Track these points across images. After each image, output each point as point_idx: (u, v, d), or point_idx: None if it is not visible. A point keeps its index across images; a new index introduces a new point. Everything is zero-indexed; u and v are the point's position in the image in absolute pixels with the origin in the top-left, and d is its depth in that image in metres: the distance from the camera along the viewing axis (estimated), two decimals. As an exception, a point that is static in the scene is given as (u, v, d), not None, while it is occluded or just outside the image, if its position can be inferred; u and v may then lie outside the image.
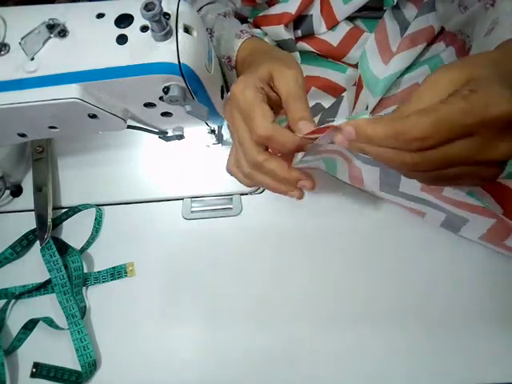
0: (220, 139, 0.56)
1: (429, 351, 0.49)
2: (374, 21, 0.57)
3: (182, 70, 0.36)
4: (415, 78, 0.54)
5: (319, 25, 0.56)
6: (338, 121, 0.30)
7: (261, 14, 0.57)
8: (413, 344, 0.50)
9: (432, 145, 0.26)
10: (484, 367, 0.49)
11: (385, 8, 0.55)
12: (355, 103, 0.54)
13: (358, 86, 0.55)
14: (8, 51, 0.37)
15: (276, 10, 0.56)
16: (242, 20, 0.59)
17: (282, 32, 0.55)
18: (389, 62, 0.53)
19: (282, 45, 0.57)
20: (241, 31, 0.46)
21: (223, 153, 0.58)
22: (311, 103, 0.57)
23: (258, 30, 0.58)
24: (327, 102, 0.57)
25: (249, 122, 0.34)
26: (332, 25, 0.56)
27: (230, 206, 0.56)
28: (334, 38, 0.57)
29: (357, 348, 0.50)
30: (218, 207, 0.57)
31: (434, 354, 0.49)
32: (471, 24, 0.46)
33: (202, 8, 0.53)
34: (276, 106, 0.36)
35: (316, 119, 0.55)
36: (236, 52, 0.44)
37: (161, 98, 0.39)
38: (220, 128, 0.55)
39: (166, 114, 0.43)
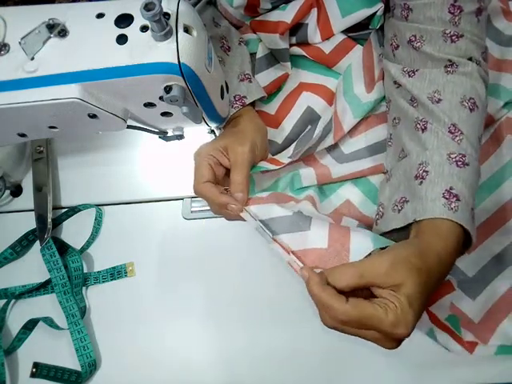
0: (220, 139, 0.56)
1: (429, 351, 0.49)
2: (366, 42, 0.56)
3: (181, 70, 0.36)
4: (385, 106, 0.55)
5: (314, 35, 0.56)
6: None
7: (258, 19, 0.57)
8: (413, 344, 0.50)
9: (350, 327, 0.37)
10: (484, 367, 0.49)
11: (370, 27, 0.55)
12: (335, 123, 0.54)
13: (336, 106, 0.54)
14: (8, 51, 0.37)
15: (273, 16, 0.55)
16: (239, 27, 0.59)
17: (277, 41, 0.54)
18: (371, 89, 0.54)
19: (276, 53, 0.57)
20: (234, 97, 0.51)
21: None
22: (302, 107, 0.56)
23: (253, 36, 0.58)
24: (318, 105, 0.56)
25: (195, 172, 0.46)
26: (327, 37, 0.56)
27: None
28: (326, 45, 0.56)
29: (358, 349, 0.50)
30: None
31: (434, 354, 0.49)
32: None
33: None
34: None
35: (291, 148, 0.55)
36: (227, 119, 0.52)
37: (161, 98, 0.39)
38: (220, 128, 0.55)
39: (165, 114, 0.43)
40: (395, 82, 0.50)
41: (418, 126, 0.46)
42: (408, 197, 0.44)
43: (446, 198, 0.41)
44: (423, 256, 0.38)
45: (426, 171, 0.43)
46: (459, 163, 0.43)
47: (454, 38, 0.45)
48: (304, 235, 0.42)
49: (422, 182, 0.43)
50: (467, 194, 0.42)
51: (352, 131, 0.55)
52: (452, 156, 0.43)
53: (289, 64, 0.57)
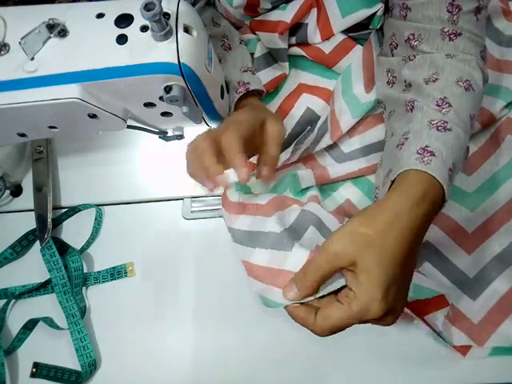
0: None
1: (426, 351, 0.49)
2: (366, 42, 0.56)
3: (181, 70, 0.36)
4: None
5: (314, 35, 0.56)
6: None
7: (257, 19, 0.57)
8: (410, 344, 0.50)
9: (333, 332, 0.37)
10: (481, 367, 0.49)
11: (371, 27, 0.55)
12: (332, 122, 0.54)
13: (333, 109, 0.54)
14: (8, 51, 0.37)
15: (273, 16, 0.55)
16: (238, 27, 0.59)
17: (276, 40, 0.54)
18: (370, 89, 0.54)
19: (274, 53, 0.57)
20: (238, 83, 0.50)
21: (223, 153, 0.58)
22: (302, 108, 0.56)
23: (252, 36, 0.58)
24: (317, 106, 0.56)
25: (223, 129, 0.42)
26: (327, 37, 0.56)
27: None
28: (326, 46, 0.56)
29: (355, 348, 0.50)
30: (218, 207, 0.56)
31: (431, 354, 0.49)
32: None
33: None
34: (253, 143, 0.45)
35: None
36: (233, 105, 0.50)
37: (161, 98, 0.39)
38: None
39: (165, 114, 0.43)
40: (388, 83, 0.50)
41: (408, 107, 0.45)
42: (392, 167, 0.43)
43: (420, 154, 0.39)
44: (371, 220, 0.36)
45: (406, 138, 0.42)
46: (440, 128, 0.41)
47: (452, 36, 0.45)
48: (284, 255, 0.42)
49: (401, 148, 0.42)
50: (445, 152, 0.39)
51: (351, 131, 0.55)
52: (433, 122, 0.42)
53: (286, 64, 0.57)
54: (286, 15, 0.53)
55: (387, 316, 0.36)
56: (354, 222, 0.37)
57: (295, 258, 0.41)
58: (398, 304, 0.36)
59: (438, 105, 0.43)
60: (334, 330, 0.36)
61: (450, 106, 0.42)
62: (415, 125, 0.43)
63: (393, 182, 0.40)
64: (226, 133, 0.41)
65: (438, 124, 0.41)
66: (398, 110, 0.47)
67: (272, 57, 0.58)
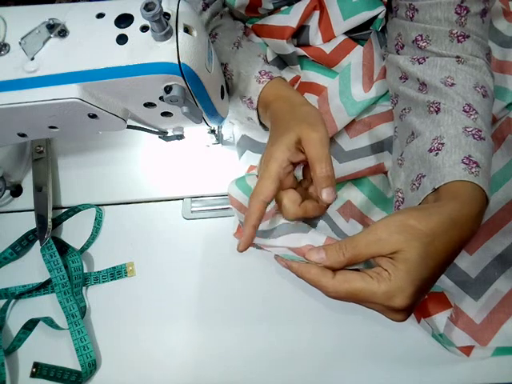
0: (220, 139, 0.56)
1: (427, 351, 0.49)
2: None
3: (181, 70, 0.36)
4: (386, 106, 0.56)
5: (315, 37, 0.56)
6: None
7: (259, 23, 0.57)
8: (411, 344, 0.50)
9: (345, 301, 0.35)
10: (482, 367, 0.49)
11: (371, 28, 0.55)
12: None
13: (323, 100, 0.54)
14: (8, 51, 0.37)
15: (277, 20, 0.55)
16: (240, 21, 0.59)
17: (285, 46, 0.54)
18: (369, 89, 0.54)
19: (284, 57, 0.57)
20: (260, 73, 0.48)
21: (223, 153, 0.58)
22: None
23: (258, 39, 0.58)
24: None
25: (258, 183, 0.41)
26: (328, 39, 0.56)
27: (230, 206, 0.56)
28: (327, 46, 0.57)
29: (356, 348, 0.50)
30: (218, 207, 0.57)
31: (432, 355, 0.49)
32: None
33: (215, 34, 0.52)
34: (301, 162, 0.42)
35: None
36: (258, 97, 0.47)
37: (161, 98, 0.39)
38: (220, 128, 0.55)
39: (166, 114, 0.43)
40: (401, 78, 0.50)
41: (432, 108, 0.45)
42: (424, 172, 0.42)
43: (466, 164, 0.39)
44: (426, 218, 0.34)
45: (442, 143, 0.41)
46: (476, 136, 0.41)
47: (460, 38, 0.45)
48: (301, 236, 0.42)
49: (437, 154, 0.41)
50: (486, 163, 0.39)
51: (352, 131, 0.55)
52: (468, 129, 0.41)
53: (298, 67, 0.57)
54: (291, 20, 0.53)
55: (403, 312, 0.35)
56: (405, 214, 0.35)
57: (313, 238, 0.42)
58: (415, 304, 0.35)
59: (465, 111, 0.43)
60: (347, 297, 0.35)
61: (476, 112, 0.43)
62: (448, 129, 0.42)
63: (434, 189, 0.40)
64: (253, 194, 0.41)
65: (474, 132, 0.41)
66: (417, 109, 0.47)
67: (282, 60, 0.58)
